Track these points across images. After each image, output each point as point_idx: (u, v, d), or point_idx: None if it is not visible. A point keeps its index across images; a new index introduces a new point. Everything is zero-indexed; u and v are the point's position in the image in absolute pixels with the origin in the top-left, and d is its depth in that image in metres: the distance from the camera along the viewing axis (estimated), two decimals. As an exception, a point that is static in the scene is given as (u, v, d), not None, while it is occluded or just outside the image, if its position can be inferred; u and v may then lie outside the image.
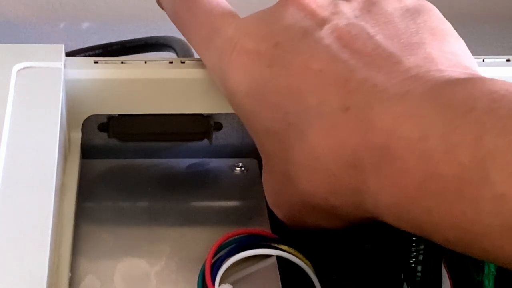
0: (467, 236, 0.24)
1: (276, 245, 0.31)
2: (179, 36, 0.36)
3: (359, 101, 0.27)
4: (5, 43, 0.35)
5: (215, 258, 0.30)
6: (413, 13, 0.31)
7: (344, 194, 0.28)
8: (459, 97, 0.25)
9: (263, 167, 0.32)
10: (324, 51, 0.29)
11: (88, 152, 0.36)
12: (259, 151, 0.32)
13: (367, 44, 0.29)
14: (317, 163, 0.28)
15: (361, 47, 0.29)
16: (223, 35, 0.31)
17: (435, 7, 0.31)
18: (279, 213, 0.32)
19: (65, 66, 0.34)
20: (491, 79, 0.26)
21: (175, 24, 0.35)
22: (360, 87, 0.27)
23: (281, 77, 0.29)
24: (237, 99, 0.31)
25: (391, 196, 0.26)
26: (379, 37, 0.29)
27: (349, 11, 0.30)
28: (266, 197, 0.33)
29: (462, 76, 0.27)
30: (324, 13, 0.30)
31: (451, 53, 0.29)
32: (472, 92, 0.25)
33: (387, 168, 0.26)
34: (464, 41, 0.31)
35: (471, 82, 0.26)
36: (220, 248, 0.30)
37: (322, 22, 0.30)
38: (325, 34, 0.29)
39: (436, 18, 0.31)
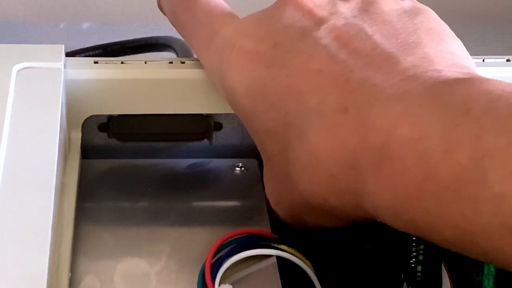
0: (466, 237, 0.24)
1: (276, 245, 0.31)
2: (179, 36, 0.36)
3: (358, 101, 0.27)
4: (5, 43, 0.35)
5: (215, 258, 0.30)
6: (411, 14, 0.31)
7: (344, 195, 0.28)
8: (457, 97, 0.25)
9: (264, 167, 0.32)
10: (322, 51, 0.29)
11: (88, 152, 0.36)
12: (260, 151, 0.32)
13: (365, 44, 0.29)
14: (317, 164, 0.28)
15: (359, 47, 0.29)
16: (222, 35, 0.32)
17: (431, 10, 0.31)
18: (280, 213, 0.32)
19: (65, 66, 0.34)
20: (488, 79, 0.26)
21: (174, 25, 0.35)
22: (359, 87, 0.27)
23: (281, 77, 0.29)
24: (236, 99, 0.31)
25: (390, 197, 0.26)
26: (377, 37, 0.29)
27: (347, 10, 0.30)
28: (267, 197, 0.33)
29: (460, 76, 0.27)
30: (322, 12, 0.30)
31: (448, 52, 0.29)
32: (470, 92, 0.25)
33: (386, 169, 0.26)
34: (464, 41, 0.31)
35: (469, 82, 0.26)
36: (220, 248, 0.30)
37: (320, 22, 0.30)
38: (323, 34, 0.29)
39: (433, 19, 0.31)
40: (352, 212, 0.29)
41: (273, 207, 0.32)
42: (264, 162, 0.32)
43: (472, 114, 0.24)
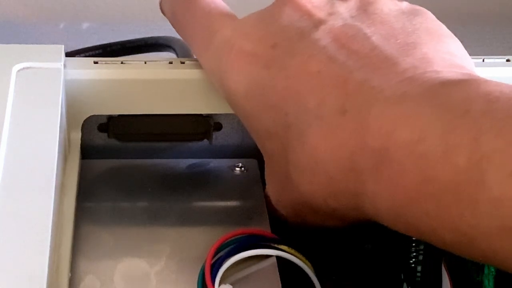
0: (465, 239, 0.24)
1: (276, 245, 0.31)
2: (179, 36, 0.36)
3: (357, 103, 0.27)
4: (5, 43, 0.35)
5: (215, 258, 0.30)
6: (409, 15, 0.31)
7: (344, 196, 0.28)
8: (455, 98, 0.25)
9: (265, 166, 0.32)
10: (321, 52, 0.29)
11: (88, 152, 0.36)
12: (261, 151, 0.32)
13: (364, 45, 0.29)
14: (316, 165, 0.28)
15: (358, 48, 0.29)
16: (221, 36, 0.32)
17: (429, 12, 0.31)
18: (281, 211, 0.32)
19: (65, 67, 0.34)
20: (486, 80, 0.26)
21: (174, 26, 0.35)
22: (358, 88, 0.27)
23: (280, 78, 0.29)
24: (236, 100, 0.31)
25: (389, 200, 0.26)
26: (376, 38, 0.29)
27: (345, 11, 0.30)
28: (268, 195, 0.33)
29: (458, 76, 0.27)
30: (320, 13, 0.30)
31: (447, 53, 0.29)
32: (468, 94, 0.25)
33: (384, 171, 0.26)
34: (464, 41, 0.31)
35: (467, 83, 0.26)
36: (220, 248, 0.30)
37: (318, 23, 0.30)
38: (322, 35, 0.29)
39: (431, 20, 0.31)
40: (352, 214, 0.29)
41: (274, 205, 0.33)
42: (265, 161, 0.32)
43: (470, 116, 0.24)
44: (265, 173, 0.33)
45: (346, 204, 0.28)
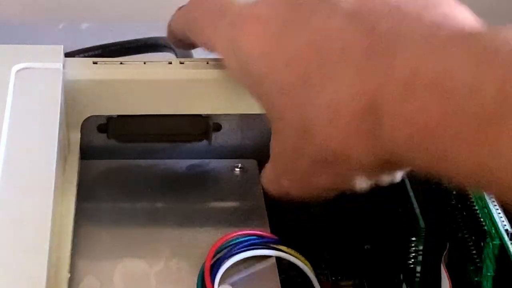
0: (486, 173, 0.24)
1: (275, 246, 0.31)
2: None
3: (383, 44, 0.27)
4: (4, 43, 0.35)
5: (214, 259, 0.30)
6: None
7: (361, 139, 0.28)
8: (484, 39, 0.25)
9: (272, 132, 0.31)
10: (343, 10, 0.29)
11: (87, 152, 0.36)
12: (268, 115, 0.31)
13: (385, 4, 0.29)
14: (336, 107, 0.28)
15: (379, 8, 0.29)
16: (234, 9, 0.32)
17: None
18: (286, 179, 0.31)
19: (64, 67, 0.34)
20: None
21: (189, 30, 0.35)
22: (385, 33, 0.28)
23: (301, 35, 0.30)
24: (250, 63, 0.31)
25: (408, 135, 0.26)
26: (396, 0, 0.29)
27: None
28: (270, 171, 0.32)
29: (484, 27, 0.27)
30: None
31: (467, 13, 0.29)
32: (497, 36, 0.25)
33: (407, 106, 0.26)
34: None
35: (496, 29, 0.26)
36: (219, 249, 0.31)
37: None
38: None
39: None
40: (367, 161, 0.28)
41: (277, 176, 0.32)
42: (272, 125, 0.31)
43: (500, 55, 0.24)
44: (273, 137, 0.32)
45: (362, 147, 0.28)
